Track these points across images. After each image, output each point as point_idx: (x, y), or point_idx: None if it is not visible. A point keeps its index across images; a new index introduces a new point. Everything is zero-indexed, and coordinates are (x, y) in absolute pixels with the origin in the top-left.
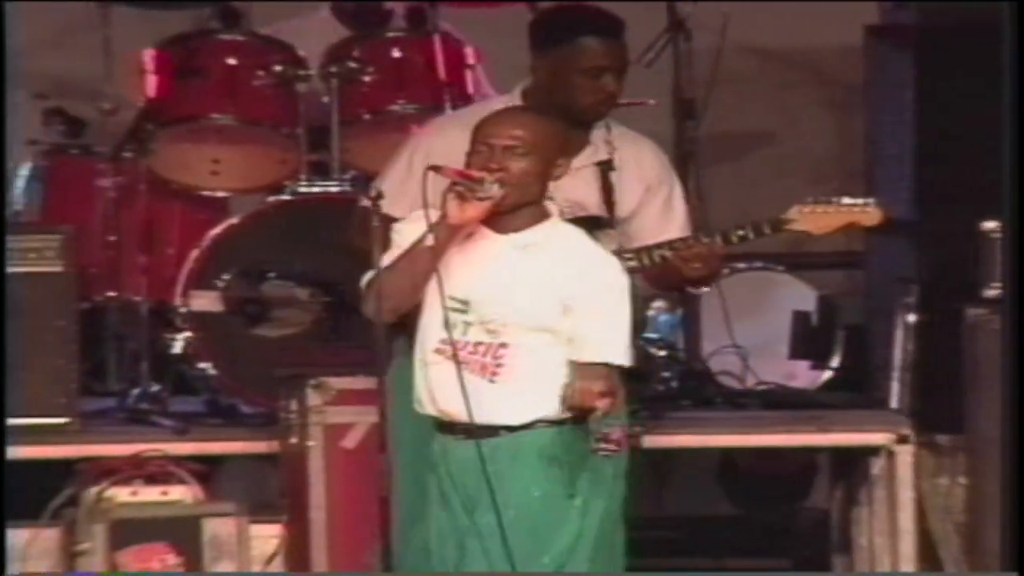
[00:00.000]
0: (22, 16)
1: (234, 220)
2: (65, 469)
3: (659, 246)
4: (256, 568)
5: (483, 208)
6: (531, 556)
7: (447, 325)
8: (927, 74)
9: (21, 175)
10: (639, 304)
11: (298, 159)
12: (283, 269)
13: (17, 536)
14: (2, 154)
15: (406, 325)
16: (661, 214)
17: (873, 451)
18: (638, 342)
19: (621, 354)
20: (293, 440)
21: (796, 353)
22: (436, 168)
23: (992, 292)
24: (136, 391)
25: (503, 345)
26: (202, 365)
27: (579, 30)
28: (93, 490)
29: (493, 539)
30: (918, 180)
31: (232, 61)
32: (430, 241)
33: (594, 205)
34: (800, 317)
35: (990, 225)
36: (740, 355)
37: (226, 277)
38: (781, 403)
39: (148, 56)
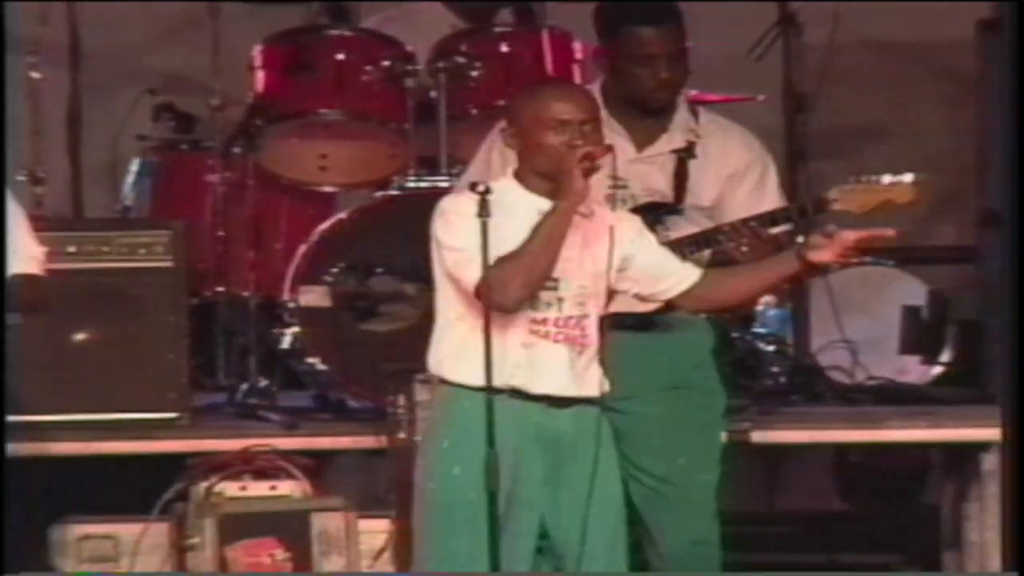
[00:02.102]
0: (134, 13)
1: (342, 215)
2: (175, 464)
3: (715, 230)
4: (365, 563)
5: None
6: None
7: (538, 304)
8: None
9: (131, 170)
10: None
11: (406, 154)
12: (391, 264)
13: (127, 530)
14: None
15: None
16: (748, 199)
17: (984, 447)
18: (745, 336)
19: None
20: (401, 435)
21: (906, 348)
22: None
23: None
24: (245, 386)
25: (586, 316)
26: (310, 360)
27: (629, 19)
28: (203, 485)
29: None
30: None
31: (341, 56)
32: (565, 219)
33: (668, 192)
34: (910, 312)
35: None
36: (850, 350)
37: (334, 272)
38: (892, 398)
39: (257, 52)
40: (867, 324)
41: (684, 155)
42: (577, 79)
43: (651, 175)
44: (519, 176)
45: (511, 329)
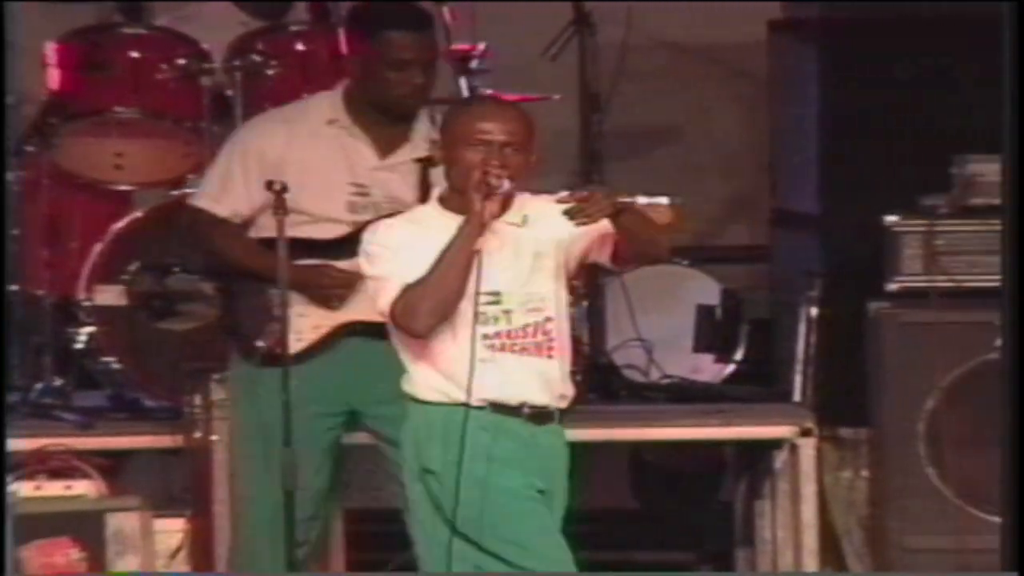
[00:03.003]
0: None
1: (138, 214)
2: None
3: None
4: (160, 563)
5: (500, 203)
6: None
7: (486, 319)
8: (830, 69)
9: None
10: None
11: (202, 153)
12: (187, 263)
13: None
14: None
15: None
16: None
17: (776, 444)
18: None
19: None
20: (197, 434)
21: (700, 346)
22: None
23: (894, 286)
24: (40, 385)
25: (548, 319)
26: (106, 359)
27: (384, 24)
28: None
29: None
30: (822, 174)
31: (135, 54)
32: (468, 242)
33: (411, 201)
34: (704, 311)
35: (892, 219)
36: (645, 348)
37: (130, 271)
38: (686, 396)
39: (51, 49)
40: (661, 323)
41: (426, 164)
42: None
43: (393, 183)
44: (444, 199)
45: (468, 347)
